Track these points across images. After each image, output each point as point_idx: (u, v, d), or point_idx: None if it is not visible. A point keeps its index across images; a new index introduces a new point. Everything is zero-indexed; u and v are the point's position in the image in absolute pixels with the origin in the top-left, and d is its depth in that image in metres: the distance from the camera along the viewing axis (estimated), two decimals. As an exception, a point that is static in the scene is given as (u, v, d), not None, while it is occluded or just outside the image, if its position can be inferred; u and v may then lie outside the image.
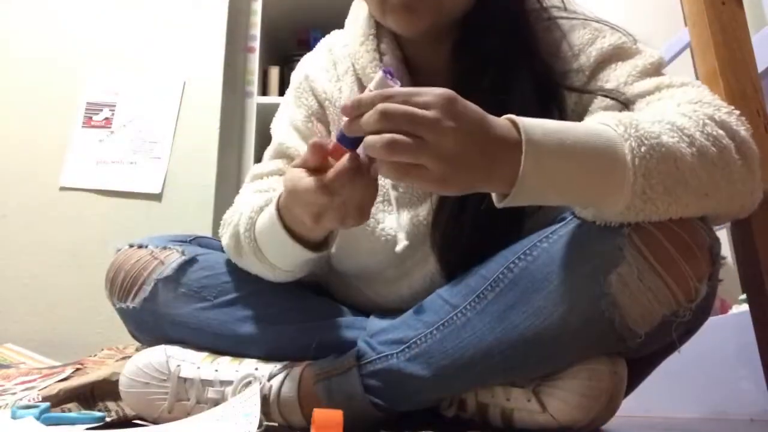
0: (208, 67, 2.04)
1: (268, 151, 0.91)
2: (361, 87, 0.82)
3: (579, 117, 0.73)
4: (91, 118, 2.05)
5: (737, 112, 0.65)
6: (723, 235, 1.51)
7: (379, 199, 0.78)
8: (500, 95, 0.71)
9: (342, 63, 0.86)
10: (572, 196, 0.58)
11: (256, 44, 2.17)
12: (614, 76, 0.74)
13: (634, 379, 0.73)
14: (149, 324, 0.83)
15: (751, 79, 0.81)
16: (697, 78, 0.89)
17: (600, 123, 0.57)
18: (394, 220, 0.79)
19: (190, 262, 0.83)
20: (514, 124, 0.55)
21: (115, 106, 2.06)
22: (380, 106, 0.52)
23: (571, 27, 0.78)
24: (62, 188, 1.94)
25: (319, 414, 0.51)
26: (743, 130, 0.63)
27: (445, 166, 0.52)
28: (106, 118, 2.05)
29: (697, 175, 0.57)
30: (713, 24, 0.82)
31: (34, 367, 1.01)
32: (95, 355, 1.05)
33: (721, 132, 0.60)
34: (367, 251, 0.80)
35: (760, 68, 0.84)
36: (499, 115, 0.57)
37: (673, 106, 0.64)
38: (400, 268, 0.80)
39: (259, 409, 0.61)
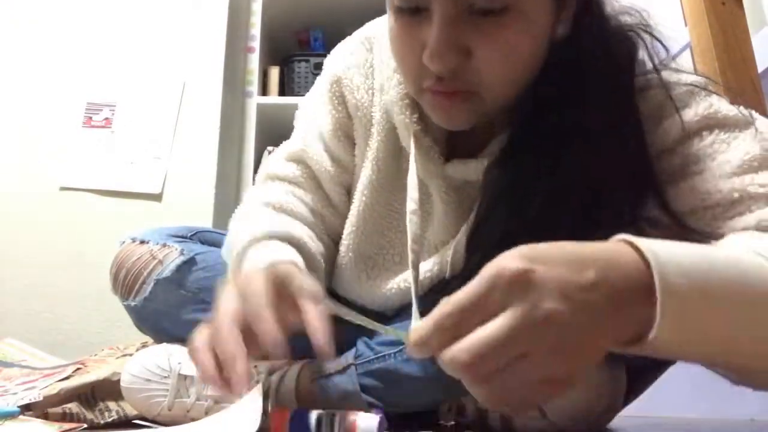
0: (208, 67, 2.04)
1: (287, 150, 0.83)
2: (395, 139, 0.73)
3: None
4: (91, 118, 2.05)
5: None
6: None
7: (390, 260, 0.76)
8: (584, 193, 0.58)
9: (380, 73, 0.75)
10: (719, 355, 0.44)
11: (256, 44, 2.17)
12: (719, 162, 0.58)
13: (641, 386, 0.73)
14: (151, 321, 0.84)
15: (751, 79, 0.81)
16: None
17: (756, 255, 0.44)
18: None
19: (189, 262, 0.84)
20: (638, 251, 0.38)
21: (115, 106, 2.05)
22: (456, 360, 0.36)
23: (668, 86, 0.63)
24: (62, 188, 1.93)
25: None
26: None
27: (560, 364, 0.36)
28: (106, 118, 2.05)
29: None
30: (713, 24, 0.82)
31: (36, 367, 1.01)
32: (96, 355, 1.05)
33: None
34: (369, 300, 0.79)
35: (760, 68, 0.84)
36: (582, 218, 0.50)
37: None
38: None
39: (260, 409, 0.61)
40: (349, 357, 0.73)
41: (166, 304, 0.83)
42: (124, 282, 0.84)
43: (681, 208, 0.59)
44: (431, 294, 0.70)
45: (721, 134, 0.59)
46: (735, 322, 0.40)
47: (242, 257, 0.68)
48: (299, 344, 0.76)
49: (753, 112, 0.61)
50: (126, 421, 0.82)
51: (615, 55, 0.61)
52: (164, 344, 0.83)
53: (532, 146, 0.61)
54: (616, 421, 0.70)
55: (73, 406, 0.81)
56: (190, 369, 0.78)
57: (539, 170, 0.60)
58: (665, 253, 0.38)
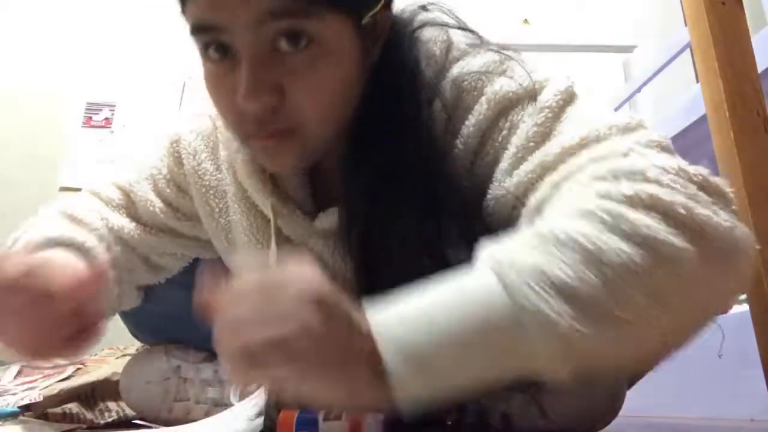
0: (208, 67, 2.04)
1: (119, 177, 0.79)
2: (255, 209, 0.71)
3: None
4: (91, 118, 2.05)
5: (679, 168, 0.44)
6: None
7: None
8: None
9: (226, 148, 0.73)
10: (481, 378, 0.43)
11: (256, 44, 2.17)
12: (508, 150, 0.57)
13: (633, 378, 0.73)
14: (148, 323, 0.83)
15: (751, 79, 0.81)
16: (698, 79, 0.89)
17: (477, 285, 0.42)
18: None
19: (194, 262, 0.83)
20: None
21: (115, 106, 2.06)
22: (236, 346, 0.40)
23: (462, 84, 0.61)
24: (62, 188, 1.94)
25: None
26: (702, 197, 0.43)
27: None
28: (106, 118, 2.05)
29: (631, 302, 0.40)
30: (713, 24, 0.82)
31: (36, 367, 1.01)
32: (96, 355, 1.05)
33: (649, 222, 0.41)
34: None
35: (760, 68, 0.84)
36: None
37: (576, 196, 0.46)
38: None
39: (262, 410, 0.61)
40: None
41: (162, 301, 0.82)
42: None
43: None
44: None
45: (510, 117, 0.58)
46: (480, 355, 0.41)
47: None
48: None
49: (540, 75, 0.60)
50: (126, 421, 0.82)
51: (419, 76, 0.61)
52: (162, 346, 0.83)
53: (361, 181, 0.60)
54: (617, 421, 0.70)
55: (73, 406, 0.81)
56: (188, 371, 0.78)
57: (372, 198, 0.60)
58: (389, 318, 0.41)
